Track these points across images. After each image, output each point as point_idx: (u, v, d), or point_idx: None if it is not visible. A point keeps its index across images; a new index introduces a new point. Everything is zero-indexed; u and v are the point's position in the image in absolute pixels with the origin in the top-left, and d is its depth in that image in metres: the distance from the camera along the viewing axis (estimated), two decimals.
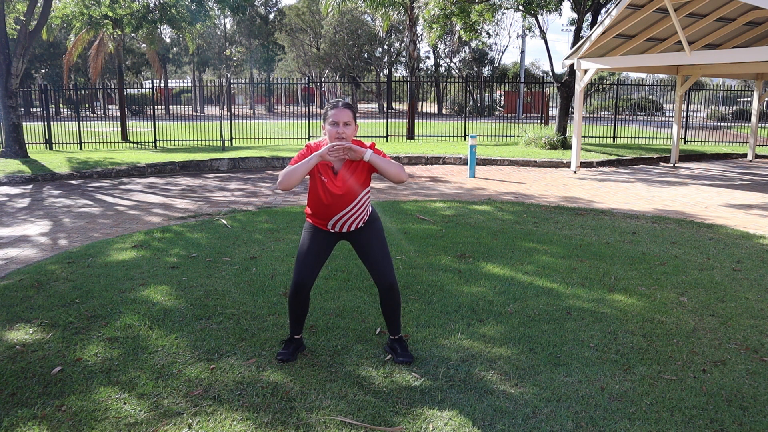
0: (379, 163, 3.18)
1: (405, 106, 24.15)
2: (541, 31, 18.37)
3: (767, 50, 9.49)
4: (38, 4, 14.62)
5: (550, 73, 20.94)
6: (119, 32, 18.45)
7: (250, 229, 6.87)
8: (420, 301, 4.50)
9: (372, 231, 3.44)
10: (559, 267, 5.40)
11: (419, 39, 29.06)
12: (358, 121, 3.32)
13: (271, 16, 50.81)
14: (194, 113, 39.65)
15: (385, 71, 51.00)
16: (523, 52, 38.88)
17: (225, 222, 7.29)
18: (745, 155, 16.29)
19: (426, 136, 19.71)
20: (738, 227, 7.26)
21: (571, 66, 13.35)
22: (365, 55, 50.15)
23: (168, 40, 48.36)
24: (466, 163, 13.55)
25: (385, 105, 28.85)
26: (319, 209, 3.35)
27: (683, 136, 18.84)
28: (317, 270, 3.39)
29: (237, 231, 6.79)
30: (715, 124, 24.74)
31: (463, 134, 19.15)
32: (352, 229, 3.41)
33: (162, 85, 35.57)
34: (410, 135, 19.69)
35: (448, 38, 44.15)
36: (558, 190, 10.22)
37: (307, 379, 3.30)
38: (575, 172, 12.82)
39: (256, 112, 42.86)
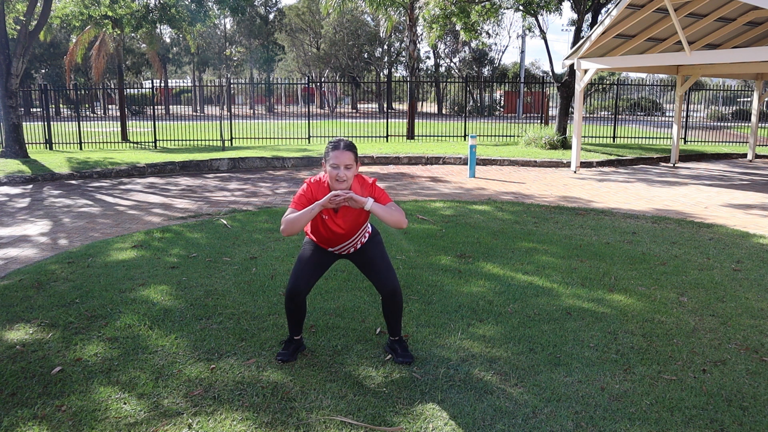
0: (380, 213, 3.18)
1: (405, 106, 24.15)
2: (541, 31, 18.37)
3: (767, 50, 9.49)
4: (38, 4, 14.61)
5: (550, 73, 20.94)
6: (119, 32, 18.45)
7: (250, 229, 6.87)
8: (420, 301, 4.50)
9: (372, 245, 3.50)
10: (559, 267, 5.40)
11: (419, 39, 29.05)
12: (359, 160, 3.31)
13: (271, 16, 50.78)
14: (194, 113, 39.64)
15: (385, 71, 51.00)
16: (523, 52, 38.87)
17: (225, 222, 7.29)
18: (745, 155, 16.29)
19: (426, 136, 19.71)
20: (738, 227, 7.26)
21: (571, 66, 13.34)
22: (365, 55, 50.14)
23: (168, 40, 48.35)
24: (466, 163, 13.55)
25: (385, 105, 28.84)
26: (320, 240, 3.43)
27: (683, 136, 18.83)
28: (314, 280, 3.42)
29: (237, 231, 6.79)
30: (715, 124, 24.73)
31: (463, 134, 19.14)
32: (352, 251, 3.50)
33: (162, 85, 35.54)
34: (410, 135, 19.68)
35: (448, 38, 44.16)
36: (558, 190, 10.22)
37: (307, 379, 3.30)
38: (575, 172, 12.82)
39: (256, 112, 42.85)
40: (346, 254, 3.51)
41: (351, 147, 3.21)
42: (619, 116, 21.86)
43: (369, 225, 3.53)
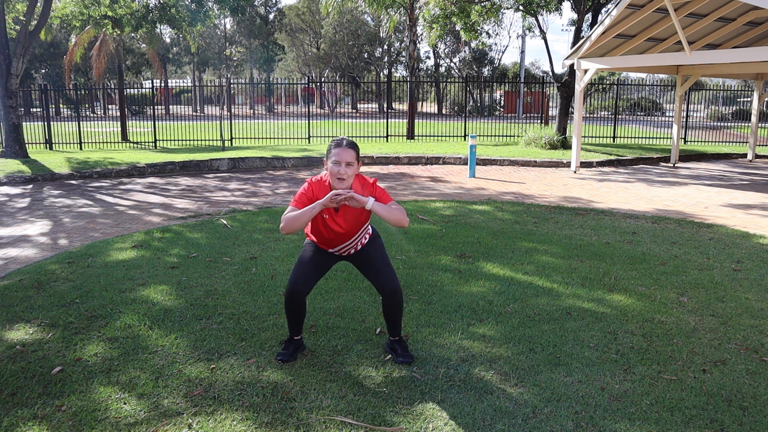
0: (381, 213, 3.19)
1: (405, 106, 24.14)
2: (541, 31, 18.37)
3: (767, 50, 9.49)
4: (38, 4, 14.61)
5: (550, 73, 20.94)
6: (119, 32, 18.45)
7: (250, 229, 6.87)
8: (420, 301, 4.50)
9: (372, 246, 3.50)
10: (559, 267, 5.40)
11: (419, 39, 29.05)
12: (360, 159, 3.32)
13: (271, 16, 50.79)
14: (194, 113, 39.64)
15: (385, 71, 50.99)
16: (523, 52, 38.87)
17: (225, 222, 7.29)
18: (745, 155, 16.29)
19: (426, 136, 19.71)
20: (738, 227, 7.26)
21: (571, 66, 13.34)
22: (365, 55, 50.13)
23: (168, 40, 48.36)
24: (466, 163, 13.55)
25: (385, 105, 28.85)
26: (321, 240, 3.43)
27: (683, 136, 18.83)
28: (314, 281, 3.42)
29: (237, 231, 6.79)
30: (715, 124, 24.73)
31: (463, 134, 19.14)
32: (352, 252, 3.50)
33: (162, 85, 35.54)
34: (410, 135, 19.68)
35: (448, 38, 44.16)
36: (558, 190, 10.22)
37: (307, 379, 3.30)
38: (575, 172, 12.82)
39: (256, 112, 42.84)
40: (347, 255, 3.51)
41: (353, 146, 3.24)
42: (619, 116, 21.87)
43: (369, 226, 3.53)
